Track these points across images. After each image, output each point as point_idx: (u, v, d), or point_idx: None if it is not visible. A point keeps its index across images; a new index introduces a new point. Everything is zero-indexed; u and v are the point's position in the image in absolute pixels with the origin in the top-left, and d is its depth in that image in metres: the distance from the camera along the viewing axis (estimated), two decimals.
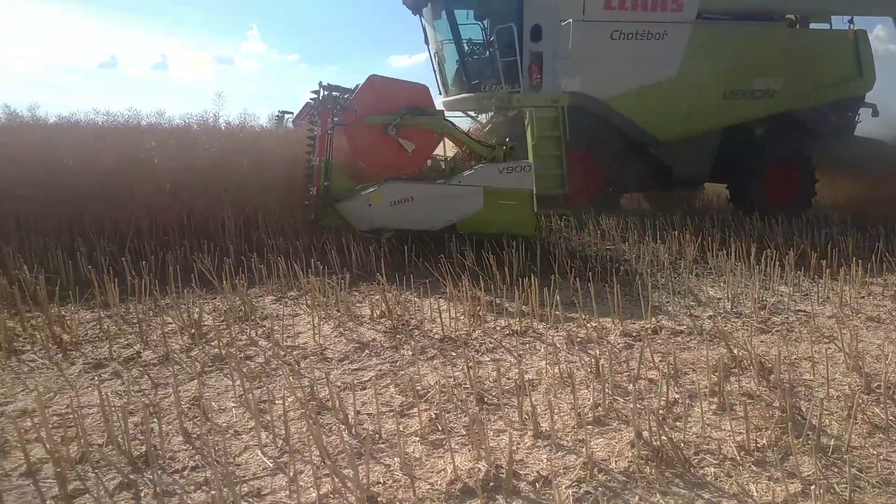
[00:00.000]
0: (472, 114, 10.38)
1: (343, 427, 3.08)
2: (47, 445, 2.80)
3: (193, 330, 4.37)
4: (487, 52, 9.42)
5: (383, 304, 4.80)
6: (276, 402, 3.29)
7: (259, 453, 2.84)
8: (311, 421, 2.98)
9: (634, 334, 4.39)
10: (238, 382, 3.54)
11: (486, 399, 3.39)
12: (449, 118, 7.89)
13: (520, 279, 4.99)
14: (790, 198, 9.96)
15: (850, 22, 10.47)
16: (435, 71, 10.41)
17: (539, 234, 7.47)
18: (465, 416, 3.15)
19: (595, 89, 9.46)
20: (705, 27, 9.81)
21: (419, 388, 3.51)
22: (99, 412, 3.11)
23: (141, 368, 3.83)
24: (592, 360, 3.76)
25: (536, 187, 8.29)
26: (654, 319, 4.67)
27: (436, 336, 4.34)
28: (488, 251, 5.79)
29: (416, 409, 3.22)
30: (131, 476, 2.64)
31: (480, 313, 4.75)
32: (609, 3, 9.46)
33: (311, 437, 2.84)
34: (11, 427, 3.05)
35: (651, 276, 5.81)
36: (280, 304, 5.17)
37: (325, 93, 7.18)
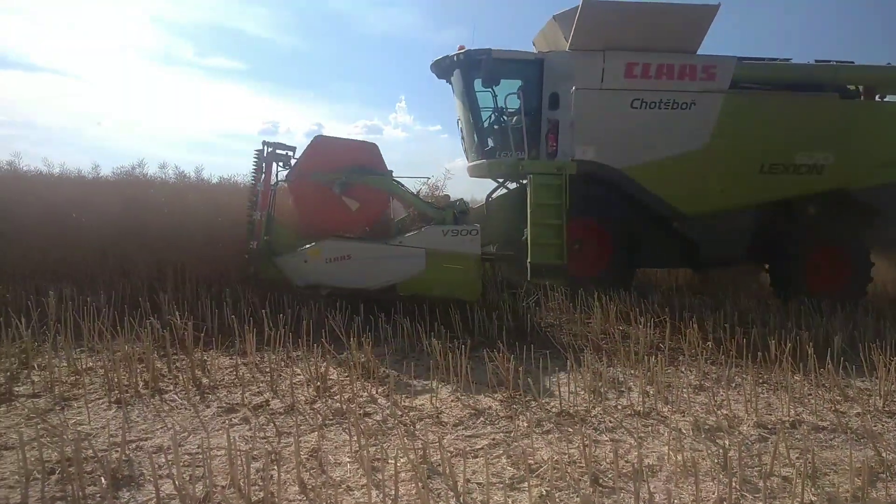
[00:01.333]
0: (509, 182, 10.01)
1: (452, 494, 3.05)
2: (176, 482, 2.98)
3: (319, 383, 4.54)
4: (502, 120, 9.48)
5: (502, 373, 4.77)
6: (389, 461, 3.33)
7: None
8: (420, 485, 2.98)
9: (770, 426, 4.07)
10: (355, 438, 3.62)
11: (600, 481, 3.25)
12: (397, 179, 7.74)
13: (646, 357, 4.81)
14: (839, 284, 9.05)
15: None
16: (461, 137, 10.40)
17: (506, 303, 7.16)
18: (577, 497, 3.04)
19: (612, 158, 9.03)
20: (740, 97, 9.13)
21: (532, 462, 3.43)
22: (226, 455, 3.28)
23: (268, 416, 4.02)
24: (720, 451, 3.52)
25: (531, 255, 8.42)
26: (793, 412, 4.32)
27: (553, 409, 4.25)
28: (614, 326, 5.64)
29: (526, 484, 3.14)
30: None
31: (601, 389, 4.61)
32: (631, 72, 8.99)
33: (419, 501, 2.84)
34: (147, 462, 3.29)
35: (792, 365, 5.40)
36: (401, 364, 5.28)
37: (269, 149, 7.36)
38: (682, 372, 5.02)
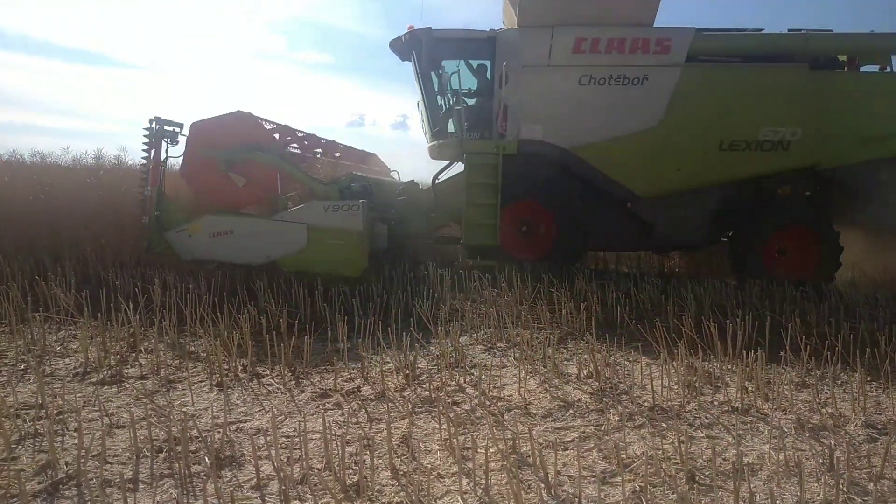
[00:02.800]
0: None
1: (543, 486, 3.03)
2: (275, 463, 3.09)
3: (408, 371, 4.60)
4: (461, 100, 9.27)
5: (591, 364, 4.70)
6: (479, 450, 3.34)
7: (459, 499, 2.89)
8: (511, 475, 2.97)
9: (880, 426, 3.84)
10: (445, 426, 3.65)
11: (697, 478, 3.15)
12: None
13: (744, 352, 4.62)
14: (803, 267, 8.40)
15: None
16: (421, 120, 10.01)
17: (376, 279, 6.93)
18: (673, 494, 2.95)
19: (559, 137, 8.70)
20: (697, 70, 8.55)
21: (624, 456, 3.36)
22: (321, 439, 3.38)
23: (360, 402, 4.11)
24: (826, 451, 3.34)
25: (465, 237, 8.48)
26: None
27: (645, 404, 4.14)
28: (709, 318, 5.44)
29: (619, 479, 3.08)
30: (343, 503, 2.82)
31: (697, 384, 4.46)
32: (579, 47, 8.58)
33: (510, 491, 2.84)
34: (248, 443, 3.42)
35: None
36: (489, 353, 5.28)
37: (157, 126, 7.44)
38: (784, 368, 4.79)
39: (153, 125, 7.51)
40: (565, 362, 5.01)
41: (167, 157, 7.61)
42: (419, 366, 4.82)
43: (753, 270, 8.45)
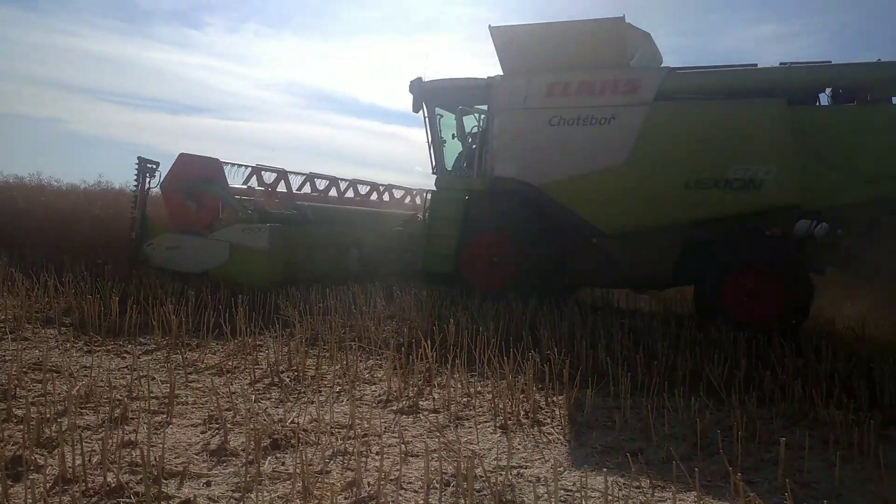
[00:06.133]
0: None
1: None
2: None
3: (696, 439, 4.31)
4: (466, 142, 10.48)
5: None
6: None
7: None
8: None
9: None
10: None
11: None
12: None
13: None
14: (767, 311, 7.90)
15: None
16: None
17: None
18: None
19: (530, 176, 9.25)
20: (664, 108, 8.63)
21: None
22: (601, 498, 3.29)
23: (642, 465, 3.94)
24: None
25: (424, 263, 9.75)
26: None
27: None
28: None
29: None
30: None
31: None
32: (551, 90, 9.15)
33: None
34: (528, 489, 3.47)
35: None
36: (791, 431, 4.71)
37: (140, 164, 10.08)
38: None
39: (140, 163, 10.09)
40: (889, 453, 4.27)
41: (150, 188, 10.17)
42: (708, 435, 4.48)
43: (716, 314, 8.05)
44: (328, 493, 3.26)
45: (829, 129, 8.13)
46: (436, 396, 5.24)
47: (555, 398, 5.18)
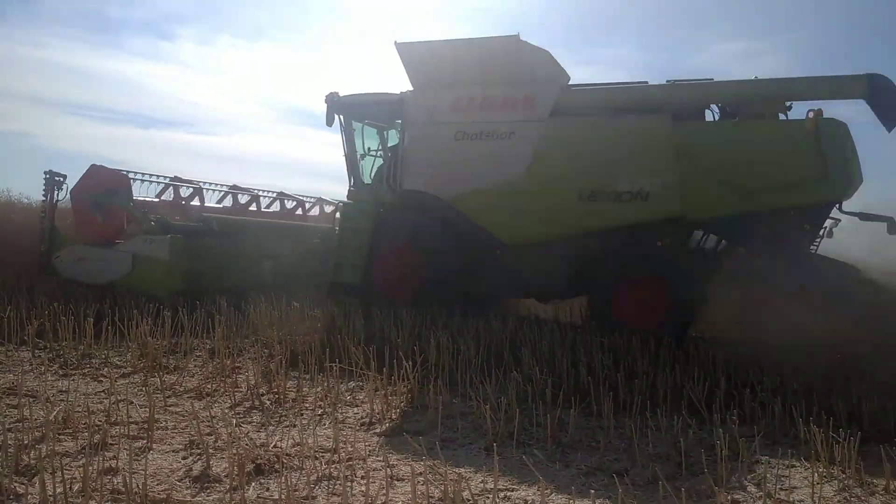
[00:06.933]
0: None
1: None
2: None
3: (680, 459, 4.33)
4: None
5: None
6: None
7: None
8: None
9: None
10: None
11: None
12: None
13: None
14: (649, 320, 8.29)
15: (811, 111, 7.97)
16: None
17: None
18: None
19: (436, 189, 9.57)
20: (558, 125, 9.00)
21: None
22: None
23: (628, 486, 3.95)
24: None
25: (333, 275, 9.95)
26: None
27: None
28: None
29: None
30: None
31: None
32: (456, 106, 9.44)
33: None
34: None
35: None
36: (773, 449, 4.76)
37: (48, 176, 10.30)
38: None
39: (49, 176, 10.37)
40: (871, 470, 4.33)
41: (57, 200, 10.43)
42: (691, 454, 4.51)
43: (603, 321, 8.56)
44: None
45: (709, 144, 8.61)
46: (419, 419, 5.21)
47: (539, 419, 5.18)
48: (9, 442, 3.84)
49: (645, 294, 8.62)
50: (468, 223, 9.46)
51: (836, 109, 9.48)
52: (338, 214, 11.68)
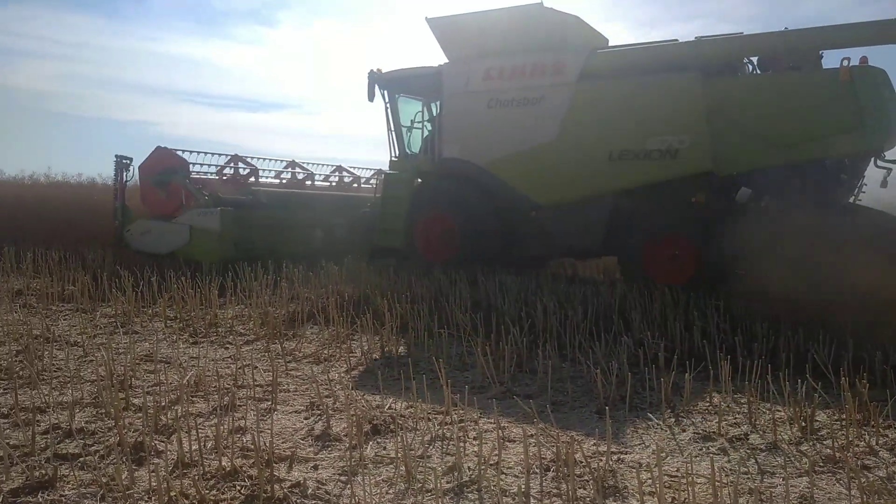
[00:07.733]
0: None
1: None
2: (661, 502, 3.03)
3: (804, 423, 4.14)
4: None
5: None
6: None
7: None
8: None
9: None
10: (855, 493, 3.19)
11: None
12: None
13: None
14: (679, 275, 8.52)
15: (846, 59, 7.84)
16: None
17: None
18: None
19: (473, 155, 9.99)
20: (587, 87, 9.24)
21: None
22: (707, 484, 3.21)
23: (748, 451, 3.82)
24: None
25: (379, 239, 10.64)
26: None
27: None
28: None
29: None
30: None
31: None
32: (489, 75, 9.80)
33: None
34: (630, 475, 3.43)
35: None
36: None
37: (117, 160, 11.35)
38: None
39: (118, 159, 11.40)
40: None
41: (126, 180, 11.45)
42: (818, 419, 4.30)
43: (635, 276, 8.81)
44: (431, 478, 3.32)
45: (741, 98, 8.61)
46: (528, 382, 5.24)
47: (652, 383, 5.07)
48: (148, 404, 4.18)
49: (675, 250, 8.85)
50: (503, 187, 9.89)
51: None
52: (379, 183, 12.45)
